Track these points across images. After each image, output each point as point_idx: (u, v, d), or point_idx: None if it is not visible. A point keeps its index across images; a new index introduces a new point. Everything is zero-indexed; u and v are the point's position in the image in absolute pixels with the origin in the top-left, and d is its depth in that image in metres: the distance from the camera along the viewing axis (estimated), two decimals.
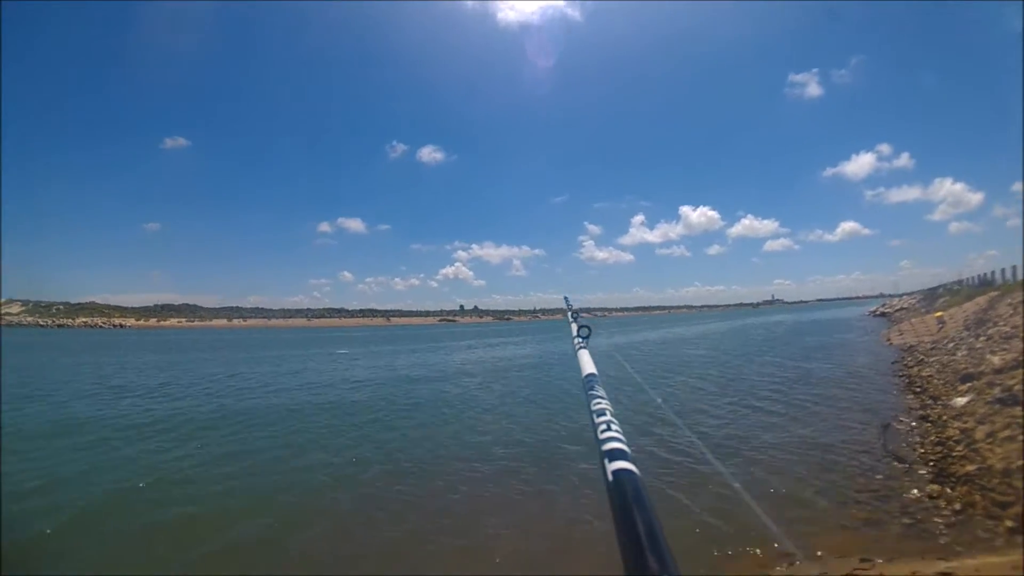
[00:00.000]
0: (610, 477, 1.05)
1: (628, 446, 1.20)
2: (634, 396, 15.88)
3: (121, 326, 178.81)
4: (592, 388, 1.83)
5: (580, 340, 2.88)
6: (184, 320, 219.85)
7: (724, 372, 22.70)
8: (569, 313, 3.77)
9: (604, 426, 1.37)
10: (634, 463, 1.08)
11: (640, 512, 0.89)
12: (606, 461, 1.13)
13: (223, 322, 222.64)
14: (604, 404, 1.59)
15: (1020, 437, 7.99)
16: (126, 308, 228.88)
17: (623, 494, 0.97)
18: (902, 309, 55.85)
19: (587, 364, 2.29)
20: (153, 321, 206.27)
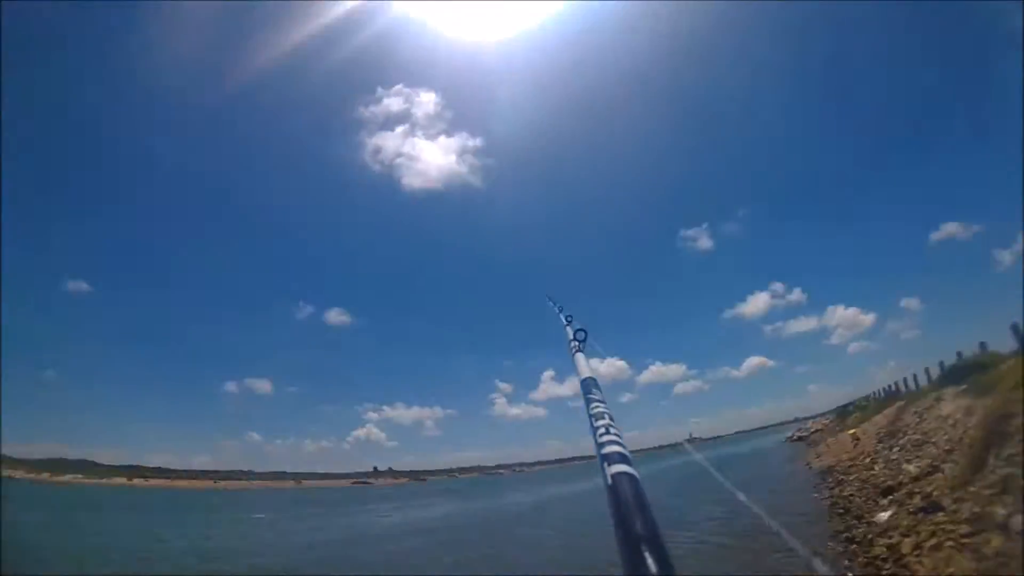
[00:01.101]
0: (609, 480, 1.11)
1: (627, 449, 1.30)
2: None
3: (11, 477, 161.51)
4: (590, 392, 1.97)
5: (576, 343, 3.03)
6: (81, 476, 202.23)
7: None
8: (563, 316, 3.92)
9: (603, 430, 1.49)
10: (633, 466, 1.16)
11: (639, 514, 0.94)
12: (605, 464, 1.20)
13: (123, 480, 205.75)
14: (603, 408, 1.71)
15: (947, 544, 8.04)
16: (16, 459, 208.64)
17: (622, 497, 1.02)
18: (818, 431, 59.00)
19: (584, 368, 2.46)
20: (47, 475, 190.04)
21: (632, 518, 0.93)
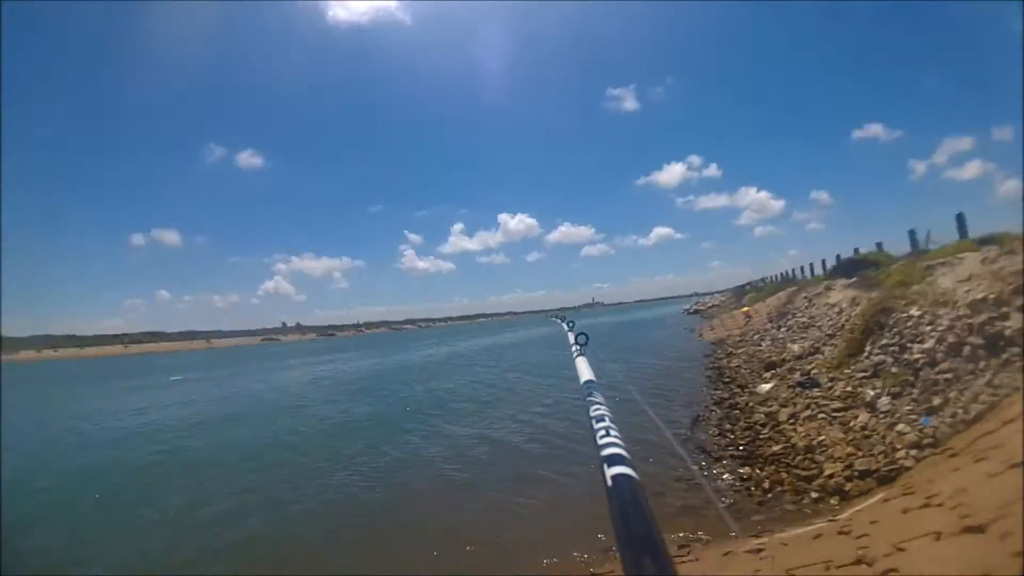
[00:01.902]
0: (609, 482, 1.10)
1: (627, 451, 1.27)
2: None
3: None
4: (591, 394, 1.99)
5: (577, 347, 3.13)
6: None
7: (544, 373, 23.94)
8: (565, 324, 4.24)
9: (603, 431, 1.46)
10: (633, 468, 1.14)
11: (639, 516, 0.93)
12: (605, 466, 1.18)
13: (32, 353, 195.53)
14: (603, 410, 1.70)
15: (820, 416, 9.06)
16: None
17: (622, 498, 1.02)
18: (714, 306, 62.47)
19: (585, 371, 2.56)
20: None
21: (632, 518, 0.93)
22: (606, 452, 1.27)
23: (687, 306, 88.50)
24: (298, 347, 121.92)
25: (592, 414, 1.69)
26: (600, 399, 1.86)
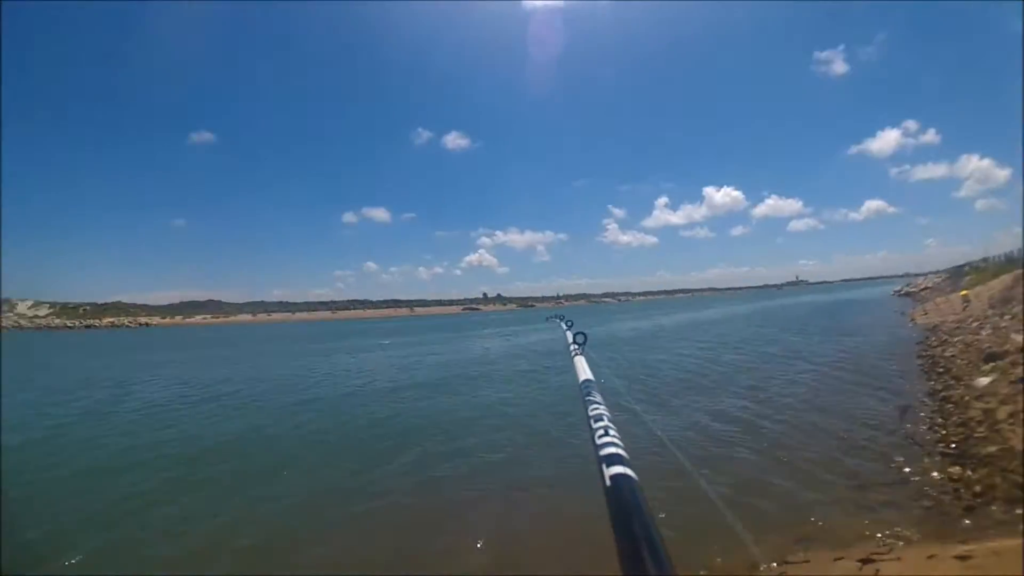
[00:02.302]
0: (608, 482, 1.15)
1: (625, 450, 1.31)
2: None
3: (147, 325, 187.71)
4: (589, 394, 2.00)
5: (576, 347, 3.19)
6: (209, 316, 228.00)
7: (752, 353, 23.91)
8: (563, 322, 4.39)
9: (602, 431, 1.49)
10: (631, 467, 1.18)
11: (638, 516, 0.97)
12: (604, 466, 1.23)
13: (248, 317, 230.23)
14: (601, 409, 1.73)
15: None
16: (152, 307, 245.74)
17: (621, 498, 1.06)
18: (927, 288, 57.31)
19: (583, 370, 2.54)
20: (179, 319, 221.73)
21: (631, 519, 0.96)
22: (605, 452, 1.31)
23: (897, 287, 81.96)
24: (498, 317, 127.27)
25: (590, 413, 1.71)
26: (599, 399, 1.87)
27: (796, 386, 15.97)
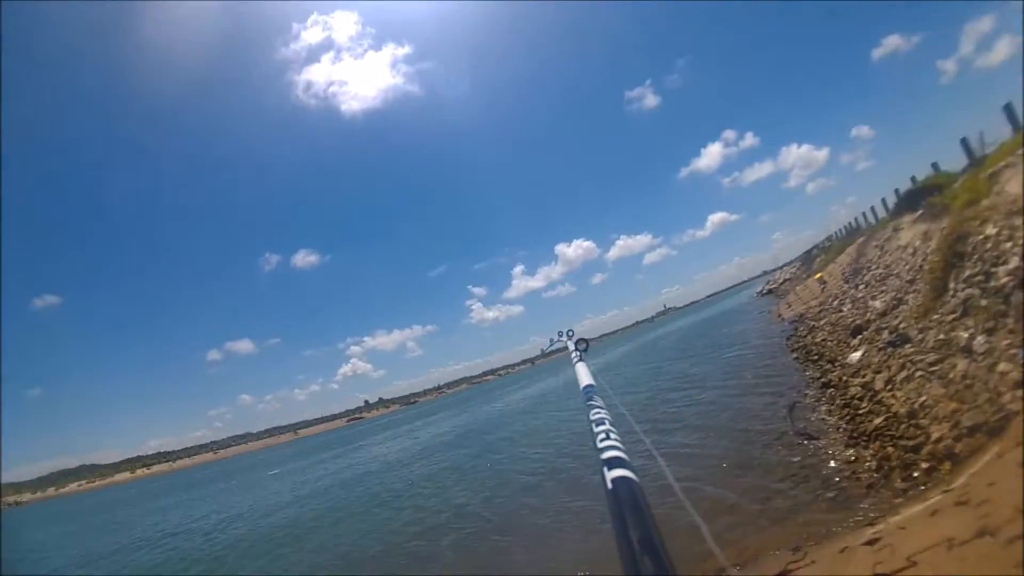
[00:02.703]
0: (609, 485, 1.15)
1: (627, 454, 1.33)
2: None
3: (17, 503, 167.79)
4: (591, 399, 2.06)
5: (577, 353, 3.28)
6: (85, 482, 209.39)
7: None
8: (564, 333, 4.40)
9: (603, 435, 1.53)
10: (633, 471, 1.18)
11: (639, 518, 0.97)
12: (605, 469, 1.24)
13: (127, 475, 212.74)
14: (603, 414, 1.76)
15: (918, 374, 8.39)
16: (19, 483, 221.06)
17: (622, 501, 1.05)
18: (786, 280, 60.51)
19: (584, 376, 2.59)
20: (52, 491, 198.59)
21: (632, 521, 0.96)
22: (606, 455, 1.34)
23: (759, 288, 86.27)
24: (383, 421, 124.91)
25: (592, 418, 1.75)
26: (600, 403, 1.91)
27: (684, 411, 15.78)
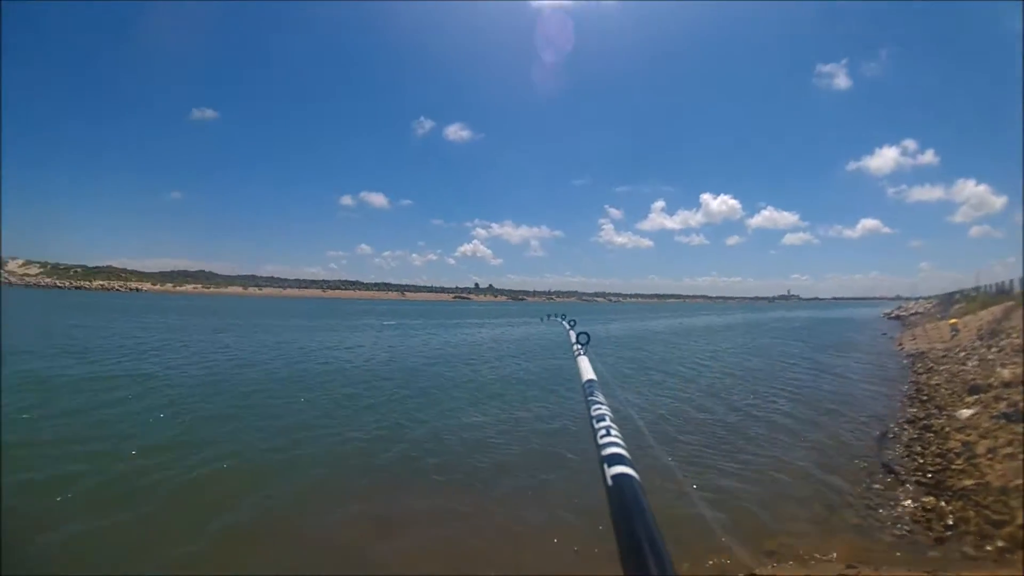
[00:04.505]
0: (610, 482, 1.10)
1: (627, 450, 1.26)
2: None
3: (137, 290, 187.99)
4: (592, 394, 1.92)
5: (579, 347, 3.04)
6: (199, 286, 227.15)
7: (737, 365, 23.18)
8: (565, 322, 4.24)
9: (604, 431, 1.44)
10: (634, 467, 1.14)
11: (639, 516, 0.94)
12: (606, 466, 1.18)
13: (238, 289, 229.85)
14: (604, 409, 1.66)
15: (1021, 456, 8.07)
16: (143, 272, 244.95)
17: (623, 498, 1.02)
18: (917, 313, 56.31)
19: (586, 370, 2.43)
20: (169, 286, 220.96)
21: (633, 519, 0.93)
22: (607, 452, 1.28)
23: (888, 309, 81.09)
24: (488, 308, 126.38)
25: (593, 413, 1.66)
26: (601, 398, 1.82)
27: (780, 397, 15.75)
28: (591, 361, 2.60)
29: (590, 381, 2.21)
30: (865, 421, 12.71)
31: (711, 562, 6.19)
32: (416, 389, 16.08)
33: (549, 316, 6.66)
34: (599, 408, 1.69)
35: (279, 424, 11.63)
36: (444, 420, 12.40)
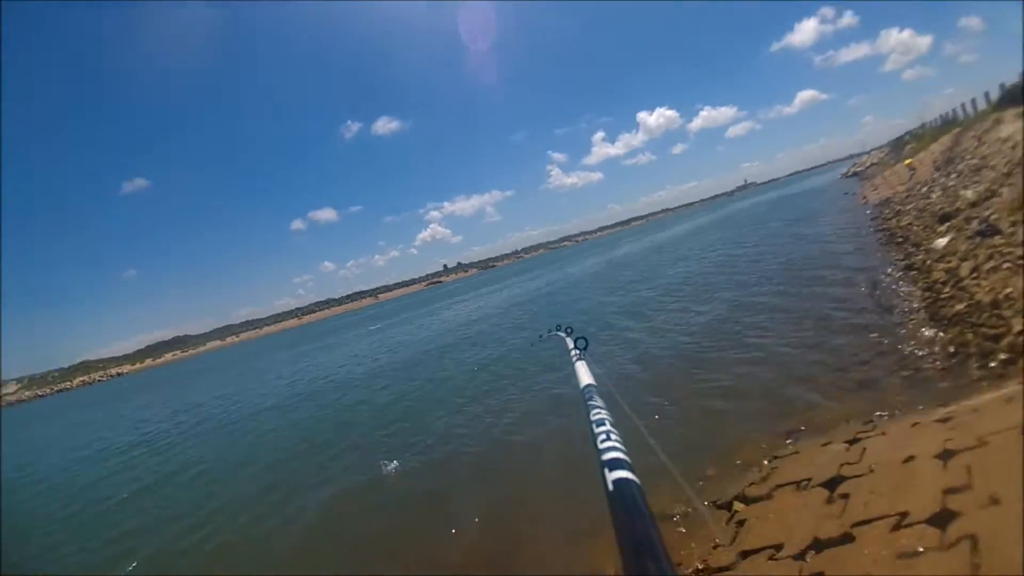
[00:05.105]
0: (610, 486, 1.09)
1: (627, 455, 1.25)
2: None
3: (119, 374, 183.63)
4: (591, 398, 1.91)
5: (577, 352, 3.00)
6: (179, 352, 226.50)
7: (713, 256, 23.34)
8: (563, 330, 4.08)
9: (604, 436, 1.42)
10: (634, 472, 1.13)
11: (640, 520, 0.92)
12: (606, 470, 1.17)
13: (217, 343, 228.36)
14: (603, 414, 1.65)
15: (1005, 266, 7.99)
16: (119, 356, 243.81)
17: (624, 503, 1.01)
18: (872, 165, 56.57)
19: (584, 375, 2.39)
20: (148, 362, 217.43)
21: (633, 523, 0.92)
22: (607, 456, 1.26)
23: (843, 170, 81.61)
24: (461, 284, 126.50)
25: (592, 418, 1.64)
26: (600, 403, 1.79)
27: (769, 279, 15.74)
28: (588, 366, 2.55)
29: (589, 386, 2.16)
30: (853, 276, 12.68)
31: (738, 461, 6.11)
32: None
33: (540, 337, 6.43)
34: (599, 412, 1.67)
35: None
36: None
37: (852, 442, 5.46)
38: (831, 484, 4.72)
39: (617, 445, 1.32)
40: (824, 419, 6.39)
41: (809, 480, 4.97)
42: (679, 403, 8.31)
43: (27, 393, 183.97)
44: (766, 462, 5.81)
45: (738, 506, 5.18)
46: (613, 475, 1.13)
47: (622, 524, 0.93)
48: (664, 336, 12.65)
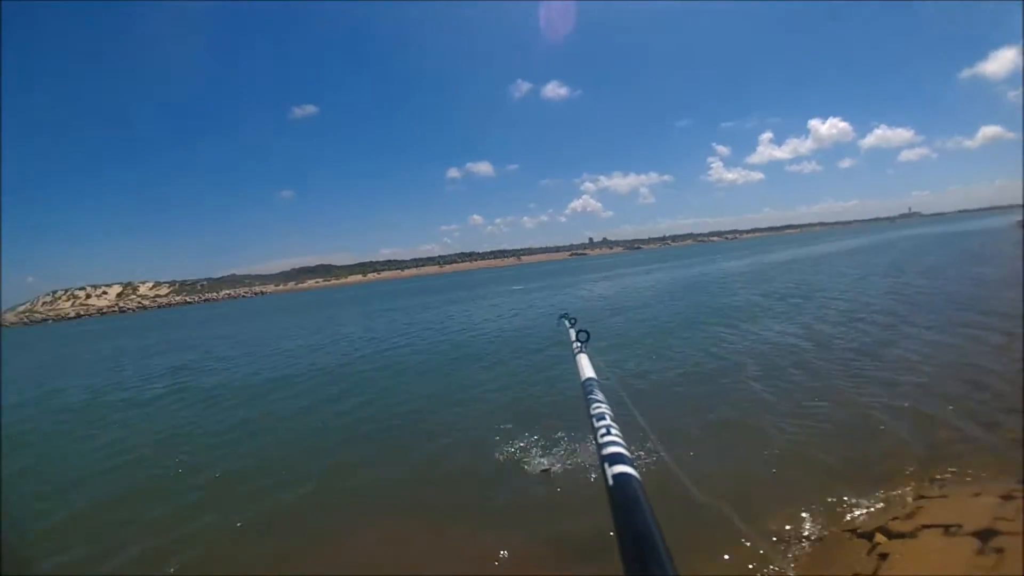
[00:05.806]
0: (610, 481, 1.07)
1: (628, 450, 1.22)
2: None
3: (262, 293, 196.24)
4: (591, 392, 1.85)
5: (578, 344, 2.92)
6: (321, 280, 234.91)
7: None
8: (566, 320, 3.99)
9: (604, 430, 1.39)
10: (634, 467, 1.10)
11: (640, 516, 0.90)
12: (606, 465, 1.14)
13: (358, 277, 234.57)
14: (604, 408, 1.61)
15: None
16: (265, 276, 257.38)
17: (624, 498, 0.98)
18: None
19: (586, 368, 2.34)
20: (291, 285, 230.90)
21: (633, 519, 0.89)
22: (607, 451, 1.22)
23: (1019, 217, 74.26)
24: (607, 260, 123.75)
25: (592, 412, 1.59)
26: (601, 397, 1.74)
27: (928, 311, 14.76)
28: (591, 359, 2.50)
29: (589, 379, 2.11)
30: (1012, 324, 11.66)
31: (880, 491, 5.80)
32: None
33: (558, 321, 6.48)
34: (599, 407, 1.63)
35: None
36: None
37: (1007, 498, 5.21)
38: (983, 535, 4.51)
39: (617, 439, 1.30)
40: (974, 469, 6.04)
41: (959, 527, 4.76)
42: (832, 416, 7.93)
43: (177, 298, 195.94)
44: (910, 499, 5.59)
45: (880, 538, 5.08)
46: (613, 470, 1.10)
47: (622, 520, 0.90)
48: (828, 350, 11.93)
